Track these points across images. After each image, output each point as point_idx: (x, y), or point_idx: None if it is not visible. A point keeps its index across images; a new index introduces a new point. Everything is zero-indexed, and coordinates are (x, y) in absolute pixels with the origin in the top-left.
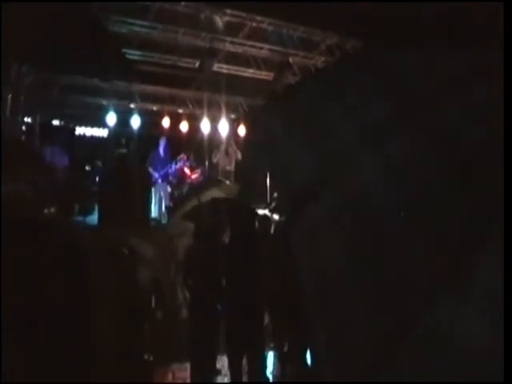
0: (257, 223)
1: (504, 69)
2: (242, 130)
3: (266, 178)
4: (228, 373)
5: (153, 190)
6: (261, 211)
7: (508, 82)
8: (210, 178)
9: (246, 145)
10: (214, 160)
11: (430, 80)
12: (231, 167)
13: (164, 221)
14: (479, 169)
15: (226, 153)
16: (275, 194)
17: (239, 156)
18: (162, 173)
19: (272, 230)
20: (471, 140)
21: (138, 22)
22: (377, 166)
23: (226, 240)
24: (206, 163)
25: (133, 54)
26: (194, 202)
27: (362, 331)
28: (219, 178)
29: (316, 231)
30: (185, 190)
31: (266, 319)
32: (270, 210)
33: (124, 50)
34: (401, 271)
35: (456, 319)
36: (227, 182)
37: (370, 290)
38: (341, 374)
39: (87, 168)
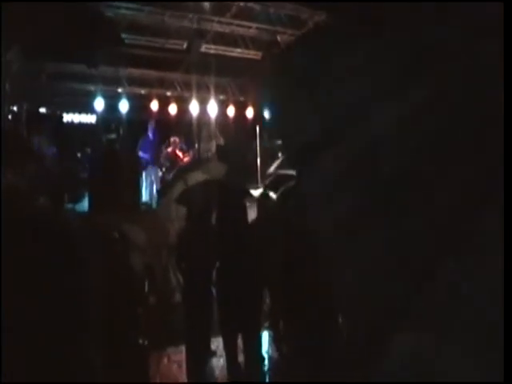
0: (252, 202)
1: (504, 69)
2: (231, 111)
3: (255, 159)
4: (223, 353)
5: (143, 174)
6: (254, 191)
7: (508, 81)
8: (195, 160)
9: (235, 126)
10: (203, 143)
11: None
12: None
13: (155, 205)
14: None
15: (210, 136)
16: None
17: (221, 140)
18: (152, 156)
19: (269, 209)
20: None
21: (125, 4)
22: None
23: (219, 222)
24: (196, 145)
25: (120, 38)
26: (180, 185)
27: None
28: (203, 159)
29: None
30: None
31: (263, 299)
32: (265, 189)
33: (112, 34)
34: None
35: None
36: (212, 163)
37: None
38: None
39: (78, 155)
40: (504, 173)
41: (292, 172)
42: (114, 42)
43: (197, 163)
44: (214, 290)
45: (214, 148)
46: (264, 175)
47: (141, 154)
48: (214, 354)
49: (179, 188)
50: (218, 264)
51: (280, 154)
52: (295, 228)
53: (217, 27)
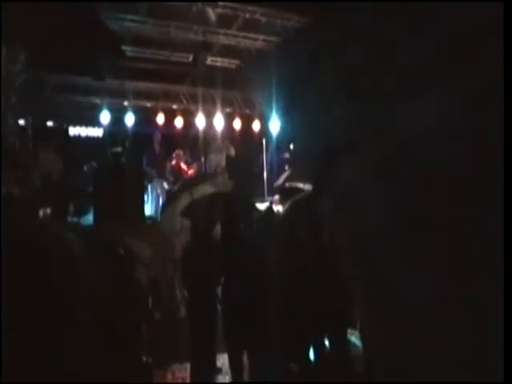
0: (258, 216)
1: (504, 69)
2: (237, 124)
3: (262, 172)
4: (229, 371)
5: (149, 187)
6: (260, 205)
7: (508, 81)
8: (202, 173)
9: (242, 139)
10: (211, 155)
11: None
12: (223, 163)
13: (161, 219)
14: None
15: (219, 148)
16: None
17: (232, 152)
18: (158, 170)
19: (275, 223)
20: None
21: (129, 17)
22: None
23: (224, 236)
24: (202, 159)
25: (125, 50)
26: (186, 198)
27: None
28: (211, 173)
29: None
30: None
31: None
32: (271, 202)
33: (116, 47)
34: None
35: None
36: (219, 177)
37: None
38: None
39: (85, 169)
40: (504, 173)
41: (300, 185)
42: (119, 55)
43: (203, 176)
44: (219, 306)
45: (223, 160)
46: (271, 188)
47: (145, 167)
48: (219, 371)
49: (184, 201)
50: (223, 279)
51: (287, 167)
52: (305, 243)
53: (223, 39)
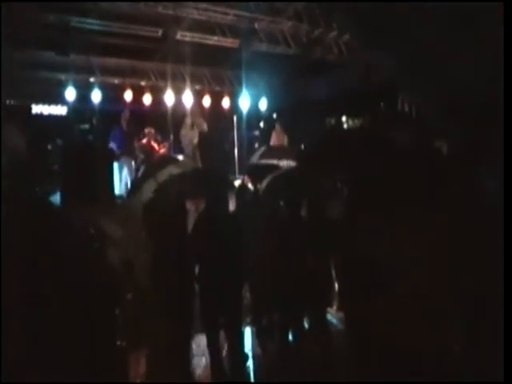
0: (233, 193)
1: (504, 68)
2: (206, 102)
3: (233, 150)
4: (205, 352)
5: (116, 166)
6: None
7: (508, 81)
8: (166, 156)
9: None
10: (183, 133)
11: None
12: (196, 140)
13: (130, 198)
14: None
15: (192, 125)
16: (254, 158)
17: (205, 128)
18: (126, 148)
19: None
20: None
21: None
22: None
23: (202, 213)
24: (171, 137)
25: (91, 24)
26: (151, 183)
27: None
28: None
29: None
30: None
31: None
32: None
33: (82, 20)
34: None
35: None
36: (182, 159)
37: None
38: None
39: (49, 147)
40: (504, 173)
41: (275, 162)
42: (85, 29)
43: (167, 159)
44: (196, 286)
45: (196, 138)
46: (242, 167)
47: (114, 145)
48: (196, 352)
49: (149, 187)
50: (199, 259)
51: (257, 145)
52: (286, 219)
53: (193, 14)
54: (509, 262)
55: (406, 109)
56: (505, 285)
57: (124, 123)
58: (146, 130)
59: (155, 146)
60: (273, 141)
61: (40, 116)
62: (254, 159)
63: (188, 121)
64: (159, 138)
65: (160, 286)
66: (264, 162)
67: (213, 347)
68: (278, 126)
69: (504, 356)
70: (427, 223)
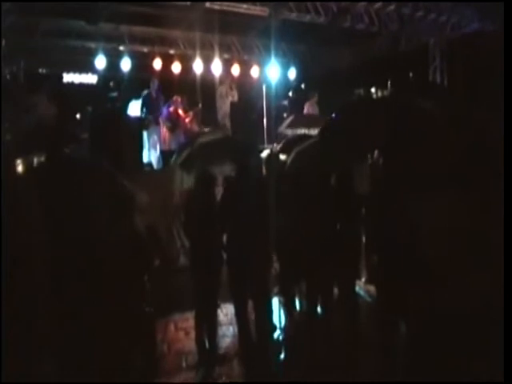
0: (264, 163)
1: (504, 68)
2: (235, 70)
3: (262, 119)
4: (233, 321)
5: (145, 133)
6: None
7: (508, 81)
8: (203, 131)
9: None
10: (218, 103)
11: None
12: (227, 108)
13: (158, 166)
14: None
15: (223, 94)
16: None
17: (236, 98)
18: (155, 116)
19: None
20: None
21: None
22: None
23: (229, 184)
24: (200, 105)
25: None
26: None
27: None
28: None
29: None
30: (179, 136)
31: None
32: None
33: None
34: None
35: None
36: (219, 134)
37: None
38: None
39: (78, 116)
40: (504, 172)
41: (304, 131)
42: None
43: (204, 133)
44: (224, 255)
45: (227, 106)
46: (270, 136)
47: (142, 113)
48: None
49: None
50: (228, 227)
51: (285, 115)
52: (313, 192)
53: None
54: (509, 262)
55: (438, 78)
56: (505, 285)
57: (153, 91)
58: (173, 98)
59: (182, 113)
60: (306, 111)
61: (70, 84)
62: (282, 129)
63: (223, 90)
64: (186, 106)
65: (187, 253)
66: (292, 131)
67: (240, 317)
68: (311, 97)
69: (504, 356)
70: (461, 195)
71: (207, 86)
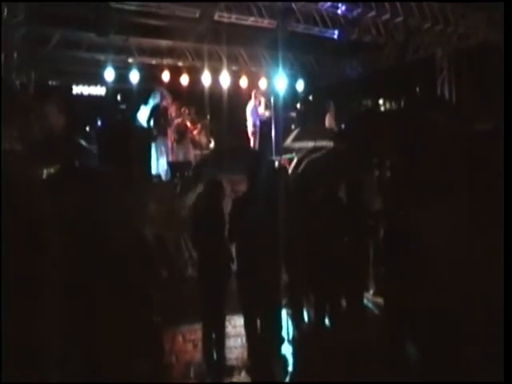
0: (274, 174)
1: (504, 68)
2: (243, 82)
3: (270, 131)
4: (241, 333)
5: (153, 145)
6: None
7: (508, 81)
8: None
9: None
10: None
11: None
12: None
13: (167, 177)
14: None
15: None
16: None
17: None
18: (161, 128)
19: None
20: None
21: None
22: None
23: (238, 195)
24: (208, 117)
25: (130, 5)
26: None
27: None
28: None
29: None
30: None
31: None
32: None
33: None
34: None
35: None
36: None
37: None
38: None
39: (87, 128)
40: (504, 172)
41: (309, 143)
42: (123, 10)
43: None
44: (232, 266)
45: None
46: (278, 148)
47: (150, 125)
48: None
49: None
50: (237, 238)
51: (293, 127)
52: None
53: None
54: (509, 262)
55: (446, 91)
56: (505, 285)
57: (161, 103)
58: (181, 110)
59: (189, 125)
60: (327, 123)
61: (79, 96)
62: (288, 142)
63: (252, 104)
64: (195, 118)
65: (195, 264)
66: (298, 144)
67: (249, 328)
68: (330, 109)
69: (504, 356)
70: (468, 206)
71: (216, 97)
